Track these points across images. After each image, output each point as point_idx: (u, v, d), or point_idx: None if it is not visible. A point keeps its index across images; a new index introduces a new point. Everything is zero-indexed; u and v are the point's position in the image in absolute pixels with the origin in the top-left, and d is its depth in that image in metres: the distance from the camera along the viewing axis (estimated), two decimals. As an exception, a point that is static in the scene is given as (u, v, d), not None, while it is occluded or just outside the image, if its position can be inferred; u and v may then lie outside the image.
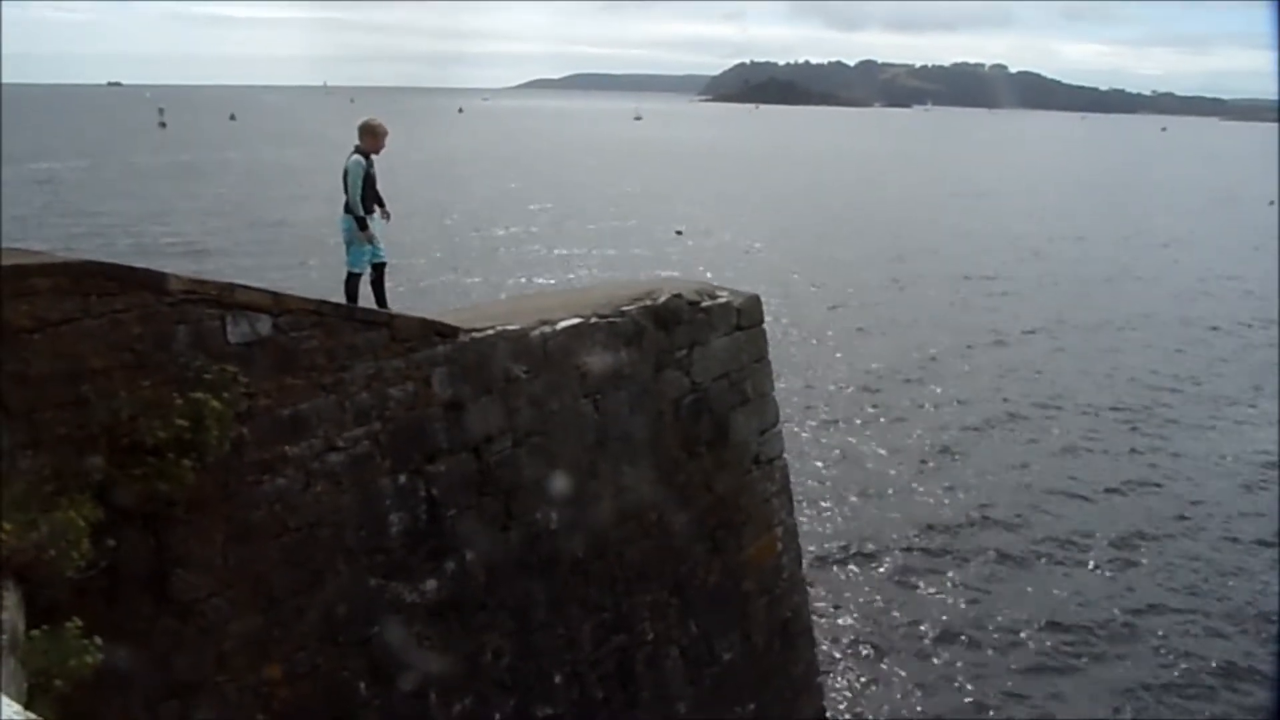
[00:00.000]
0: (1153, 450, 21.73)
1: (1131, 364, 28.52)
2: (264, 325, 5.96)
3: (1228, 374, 27.91)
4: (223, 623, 5.77)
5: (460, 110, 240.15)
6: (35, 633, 4.30)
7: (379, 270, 8.91)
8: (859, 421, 22.69)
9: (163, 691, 5.52)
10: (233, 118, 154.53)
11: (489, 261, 39.53)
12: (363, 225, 8.55)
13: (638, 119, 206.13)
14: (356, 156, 8.52)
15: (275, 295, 6.09)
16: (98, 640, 4.46)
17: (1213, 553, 16.95)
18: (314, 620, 6.23)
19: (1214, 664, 13.54)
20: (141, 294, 5.39)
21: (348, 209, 8.56)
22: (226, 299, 5.78)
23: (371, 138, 8.63)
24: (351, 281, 8.67)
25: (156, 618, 5.49)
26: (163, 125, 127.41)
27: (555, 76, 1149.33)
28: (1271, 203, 57.38)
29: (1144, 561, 16.51)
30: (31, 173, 64.17)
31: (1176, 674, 13.39)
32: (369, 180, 8.53)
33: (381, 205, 8.88)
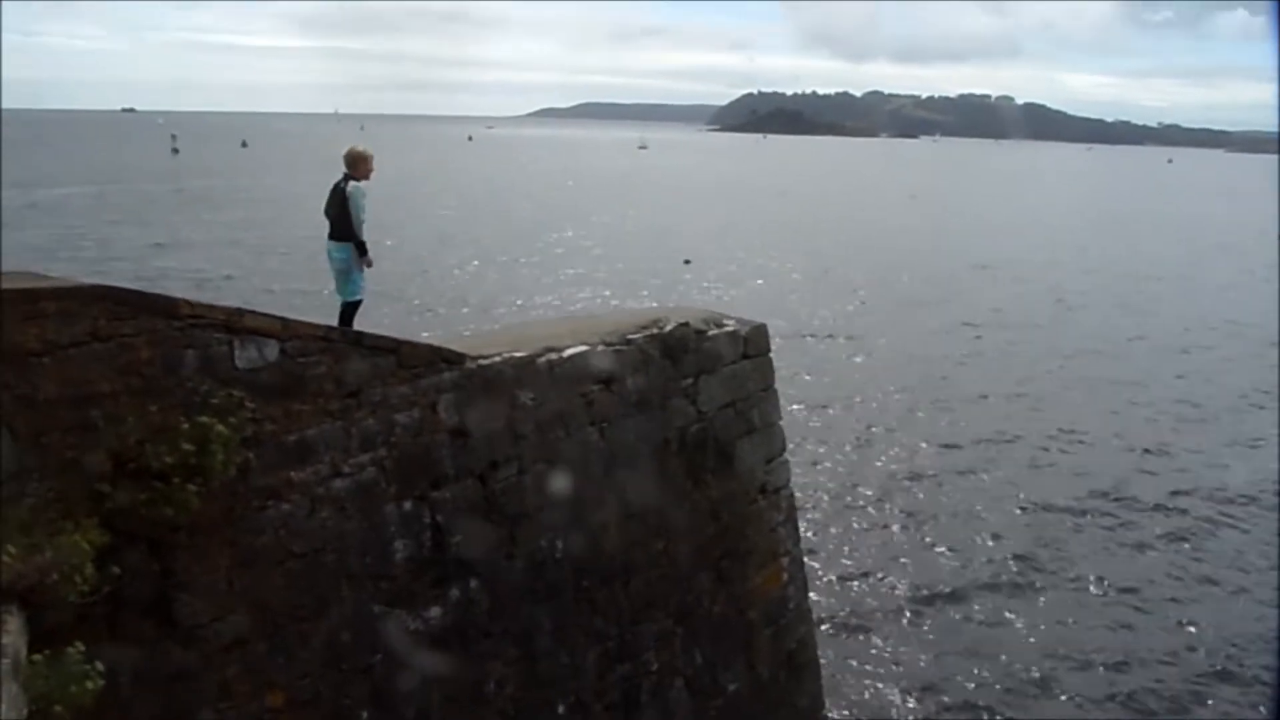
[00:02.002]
0: (1161, 473, 21.98)
1: (1144, 395, 28.49)
2: (272, 351, 5.98)
3: (1236, 402, 27.84)
4: (225, 649, 5.75)
5: (470, 138, 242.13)
6: (37, 657, 4.28)
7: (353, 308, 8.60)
8: (867, 451, 22.60)
9: (164, 718, 5.49)
10: (244, 144, 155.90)
11: (496, 289, 39.62)
12: (363, 251, 8.43)
13: (642, 148, 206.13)
14: (355, 183, 8.42)
15: (284, 321, 6.11)
16: (99, 665, 4.44)
17: (1215, 559, 17.57)
18: (317, 647, 6.20)
19: (1215, 666, 13.91)
20: (150, 318, 5.41)
21: (342, 236, 8.37)
22: (235, 324, 5.80)
23: (362, 164, 8.48)
24: (349, 310, 8.45)
25: (159, 643, 5.46)
26: (175, 151, 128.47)
27: (564, 105, 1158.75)
28: None
29: (1148, 574, 16.94)
30: (43, 199, 64.64)
31: (1179, 677, 13.74)
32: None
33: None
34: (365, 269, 8.50)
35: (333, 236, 8.42)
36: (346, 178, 8.43)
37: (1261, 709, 12.85)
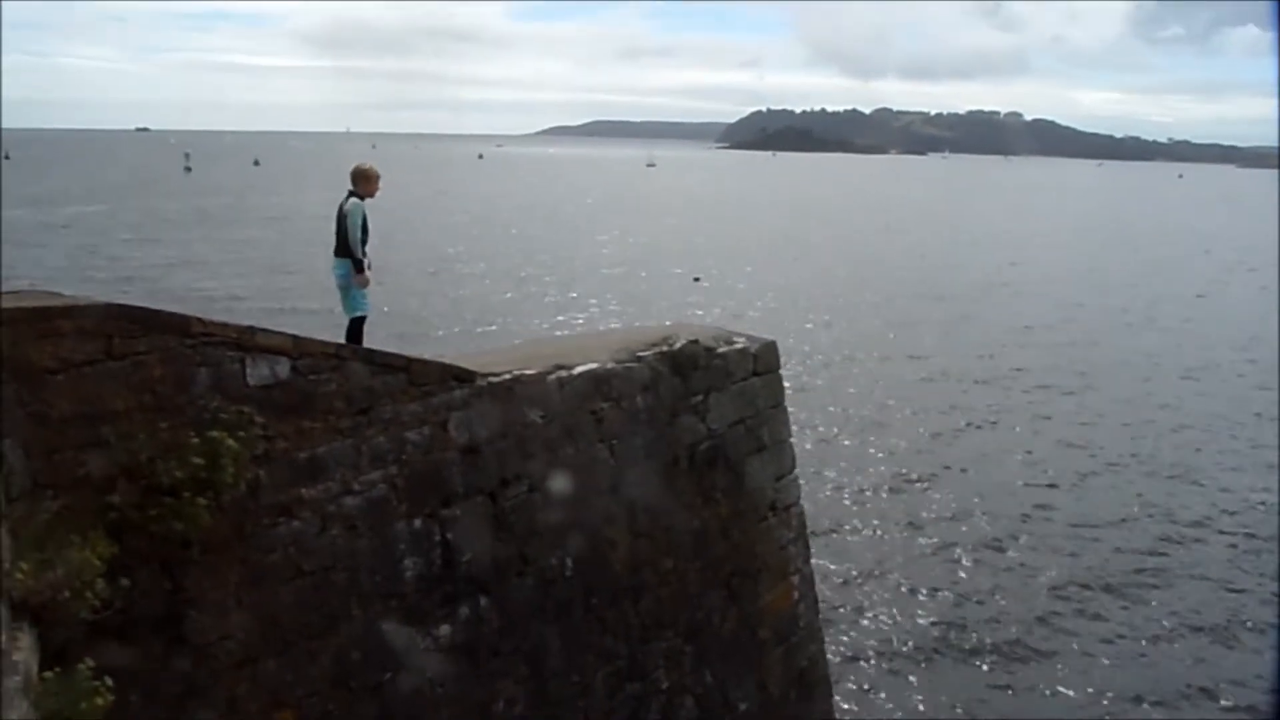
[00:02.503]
0: (1168, 485, 22.12)
1: (1154, 412, 28.35)
2: (283, 368, 6.00)
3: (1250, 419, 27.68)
4: (235, 666, 5.74)
5: (480, 157, 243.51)
6: (48, 674, 4.29)
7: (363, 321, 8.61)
8: (879, 469, 22.51)
9: (173, 736, 5.48)
10: (257, 163, 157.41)
11: (506, 307, 39.73)
12: (360, 268, 8.39)
13: (651, 166, 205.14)
14: (355, 200, 8.46)
15: (295, 338, 6.13)
16: (109, 682, 4.44)
17: (1216, 566, 17.91)
18: (327, 665, 6.19)
19: (1215, 669, 14.22)
20: (163, 336, 5.44)
21: (342, 253, 8.40)
22: (247, 342, 5.83)
23: (367, 182, 8.49)
24: (355, 327, 8.43)
25: (169, 659, 5.46)
26: (188, 169, 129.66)
27: (574, 123, 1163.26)
28: None
29: (1150, 580, 17.28)
30: (57, 217, 65.16)
31: (1180, 680, 14.01)
32: (365, 225, 8.42)
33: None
34: (364, 286, 8.48)
35: (335, 253, 8.48)
36: (350, 195, 8.47)
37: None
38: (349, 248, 8.37)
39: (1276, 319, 37.29)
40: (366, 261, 8.72)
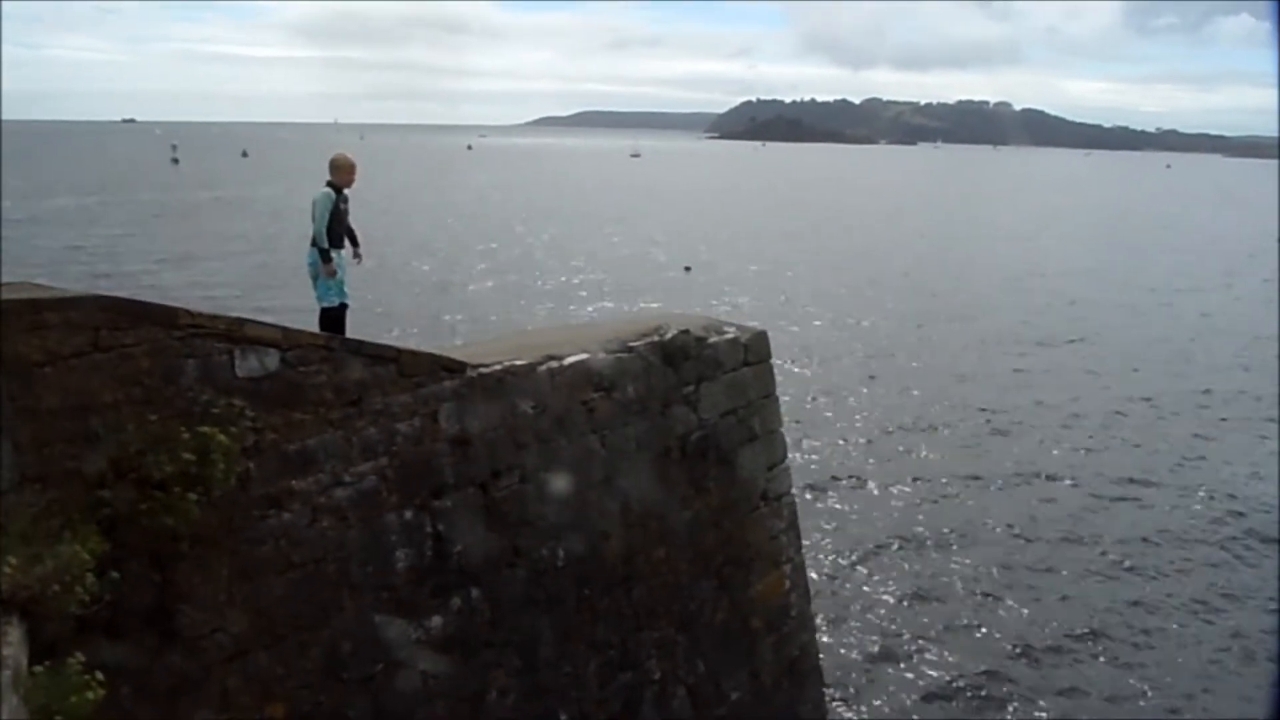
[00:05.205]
0: (1163, 477, 22.12)
1: (1152, 406, 28.40)
2: (272, 360, 5.97)
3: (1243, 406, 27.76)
4: (226, 659, 5.73)
5: (469, 148, 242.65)
6: (38, 668, 4.27)
7: (341, 311, 8.60)
8: (869, 457, 22.55)
9: (165, 729, 5.46)
10: (245, 154, 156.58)
11: (494, 298, 39.65)
12: (325, 258, 8.36)
13: (635, 156, 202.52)
14: (326, 190, 8.43)
15: (285, 330, 6.11)
16: (99, 676, 4.43)
17: (1215, 561, 17.85)
18: (318, 657, 6.18)
19: (1214, 666, 14.16)
20: (151, 328, 5.41)
21: (315, 242, 8.41)
22: (236, 333, 5.80)
23: (340, 172, 8.49)
24: (326, 316, 8.42)
25: (160, 654, 5.45)
26: (175, 161, 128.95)
27: (564, 114, 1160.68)
28: None
29: (1147, 575, 17.23)
30: (43, 210, 64.71)
31: (1178, 676, 13.94)
32: (337, 215, 8.40)
33: (355, 244, 8.73)
34: (330, 276, 8.45)
35: (310, 243, 8.51)
36: (328, 185, 8.47)
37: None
38: (314, 237, 8.42)
39: (1277, 312, 37.19)
40: (358, 252, 8.80)
